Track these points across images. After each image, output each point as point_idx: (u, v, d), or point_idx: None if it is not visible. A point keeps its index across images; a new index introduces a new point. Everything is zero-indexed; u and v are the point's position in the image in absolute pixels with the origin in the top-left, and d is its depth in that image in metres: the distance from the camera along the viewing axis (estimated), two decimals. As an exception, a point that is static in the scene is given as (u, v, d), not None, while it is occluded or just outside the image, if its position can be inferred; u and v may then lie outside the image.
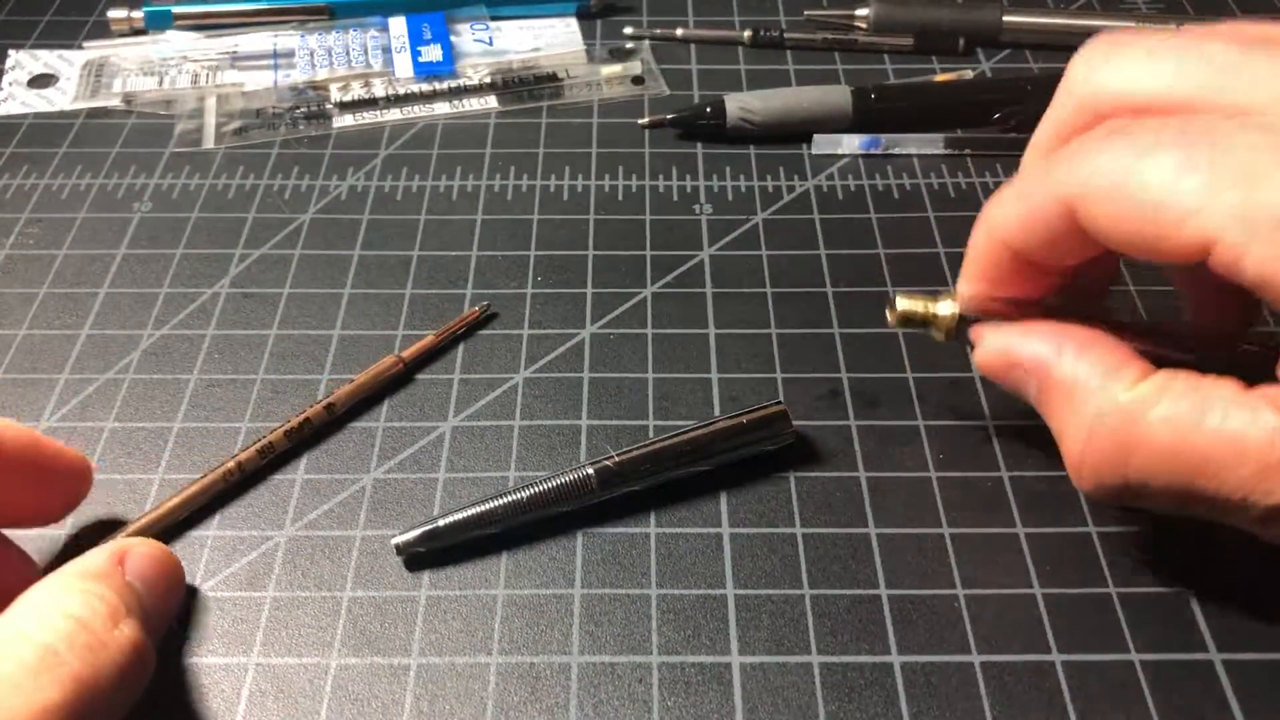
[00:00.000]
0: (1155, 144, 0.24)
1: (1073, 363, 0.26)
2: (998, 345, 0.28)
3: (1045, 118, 0.29)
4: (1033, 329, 0.27)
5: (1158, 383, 0.25)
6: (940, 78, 0.51)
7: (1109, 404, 0.25)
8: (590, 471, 0.33)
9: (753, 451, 0.34)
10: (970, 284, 0.30)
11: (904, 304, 0.31)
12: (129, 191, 0.46)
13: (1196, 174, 0.23)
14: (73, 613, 0.24)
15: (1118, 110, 0.26)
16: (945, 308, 0.31)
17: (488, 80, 0.51)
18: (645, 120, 0.49)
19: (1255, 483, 0.23)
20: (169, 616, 0.29)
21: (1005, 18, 0.53)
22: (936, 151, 0.47)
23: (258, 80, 0.51)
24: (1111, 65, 0.27)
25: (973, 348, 0.30)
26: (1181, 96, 0.25)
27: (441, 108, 0.50)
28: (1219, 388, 0.24)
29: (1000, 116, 0.48)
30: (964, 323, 0.30)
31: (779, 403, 0.35)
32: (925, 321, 0.31)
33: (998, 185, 0.41)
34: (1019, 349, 0.27)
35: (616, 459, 0.33)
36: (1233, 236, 0.22)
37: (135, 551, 0.28)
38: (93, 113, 0.50)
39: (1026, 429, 0.35)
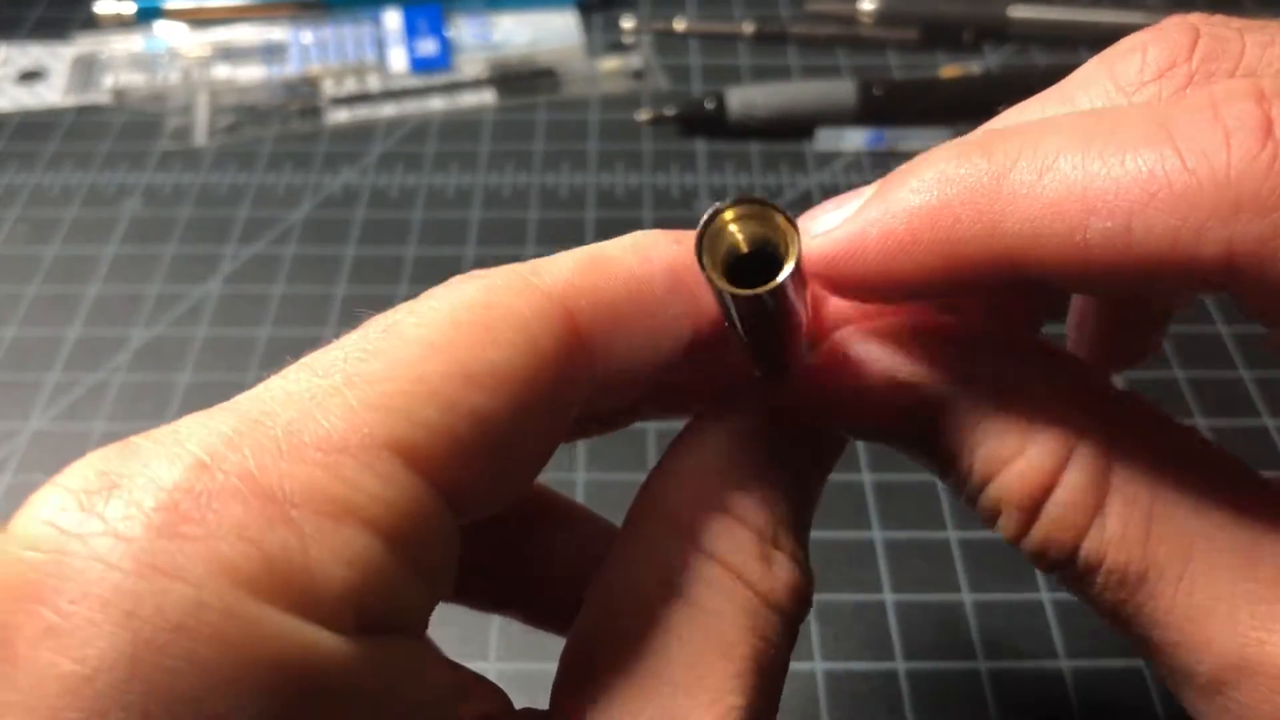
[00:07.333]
0: None
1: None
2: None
3: None
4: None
5: None
6: (946, 72, 0.50)
7: None
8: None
9: None
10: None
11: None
12: (119, 189, 0.45)
13: None
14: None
15: None
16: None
17: (484, 75, 0.51)
18: (645, 115, 0.48)
19: None
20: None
21: (1011, 11, 0.52)
22: (941, 147, 0.46)
23: (250, 75, 0.51)
24: None
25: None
26: None
27: (437, 102, 0.49)
28: None
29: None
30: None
31: None
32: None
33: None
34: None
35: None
36: None
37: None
38: (83, 109, 0.49)
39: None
